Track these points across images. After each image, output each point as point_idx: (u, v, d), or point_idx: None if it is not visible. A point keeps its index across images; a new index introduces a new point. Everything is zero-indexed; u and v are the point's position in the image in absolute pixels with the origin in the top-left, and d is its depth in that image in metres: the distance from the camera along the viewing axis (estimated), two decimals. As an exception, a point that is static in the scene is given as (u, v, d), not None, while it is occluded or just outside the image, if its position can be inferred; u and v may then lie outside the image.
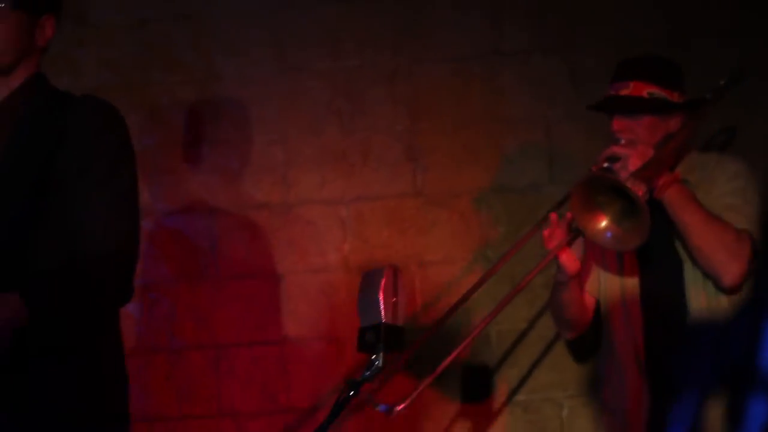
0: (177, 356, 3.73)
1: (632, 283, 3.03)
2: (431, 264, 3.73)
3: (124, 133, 2.55)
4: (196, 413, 3.71)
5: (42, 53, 2.59)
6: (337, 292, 3.73)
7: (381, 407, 2.34)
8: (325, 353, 3.72)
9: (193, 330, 3.75)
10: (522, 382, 3.65)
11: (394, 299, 2.13)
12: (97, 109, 2.54)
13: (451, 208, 3.74)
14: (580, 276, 3.02)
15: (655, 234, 2.79)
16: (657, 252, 2.94)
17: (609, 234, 2.83)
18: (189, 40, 3.87)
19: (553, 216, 2.92)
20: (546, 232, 2.92)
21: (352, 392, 2.15)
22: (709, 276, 2.91)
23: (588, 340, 3.25)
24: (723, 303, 2.92)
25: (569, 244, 2.91)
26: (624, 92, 3.00)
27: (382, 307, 2.12)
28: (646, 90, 2.98)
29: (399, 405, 2.38)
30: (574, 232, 2.90)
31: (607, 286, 3.07)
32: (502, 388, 3.64)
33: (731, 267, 2.86)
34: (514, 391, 3.64)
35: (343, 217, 3.77)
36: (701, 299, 2.93)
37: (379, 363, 2.14)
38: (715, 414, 1.66)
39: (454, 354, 2.55)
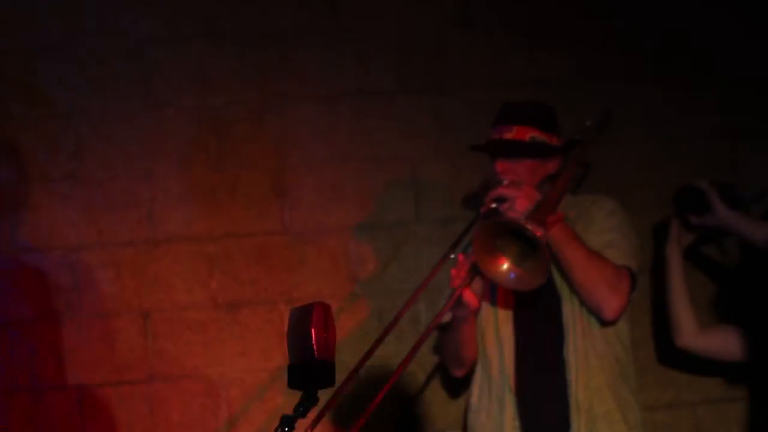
0: (39, 397, 3.63)
1: (505, 314, 3.14)
2: (300, 301, 3.70)
3: None
4: (59, 456, 3.62)
5: None
6: (205, 329, 3.71)
7: None
8: (193, 391, 3.69)
9: (55, 370, 3.65)
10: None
11: (325, 334, 2.14)
12: None
13: (320, 245, 3.77)
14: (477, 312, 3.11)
15: None
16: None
17: (512, 275, 2.91)
18: (53, 72, 3.79)
19: (460, 257, 3.01)
20: (453, 272, 2.99)
21: (286, 428, 2.14)
22: (590, 310, 3.04)
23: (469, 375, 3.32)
24: (597, 335, 3.06)
25: (470, 283, 2.98)
26: (508, 136, 3.13)
27: (314, 342, 2.12)
28: (529, 134, 3.12)
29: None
30: (475, 272, 2.97)
31: (482, 316, 3.16)
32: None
33: (612, 302, 3.01)
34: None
35: (211, 254, 3.76)
36: (578, 332, 3.06)
37: (313, 399, 2.15)
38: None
39: (379, 396, 2.54)
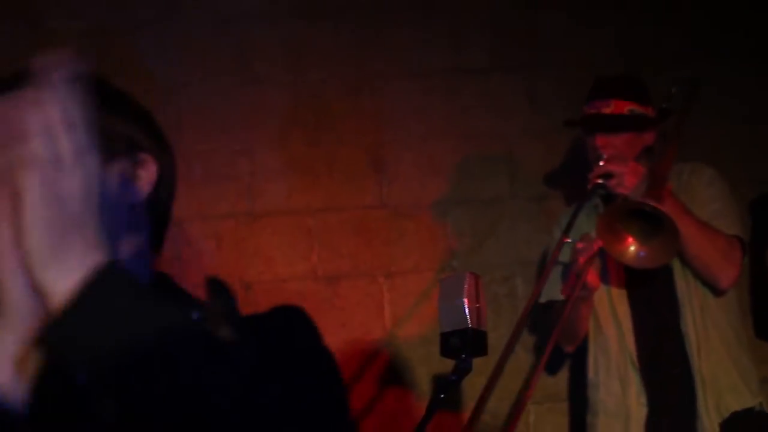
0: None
1: (618, 292, 3.19)
2: (398, 274, 3.80)
3: None
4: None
5: None
6: (305, 301, 3.75)
7: None
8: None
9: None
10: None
11: (477, 305, 2.19)
12: None
13: (418, 220, 3.82)
14: None
15: None
16: None
17: (642, 254, 2.93)
18: (153, 48, 3.84)
19: (579, 245, 3.00)
20: (579, 245, 3.00)
21: (443, 394, 2.20)
22: (704, 281, 3.07)
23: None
24: (713, 306, 3.10)
25: (591, 265, 3.00)
26: (606, 110, 3.16)
27: (467, 311, 2.17)
28: (627, 107, 3.16)
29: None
30: (600, 255, 3.01)
31: (596, 296, 3.19)
32: (470, 395, 3.73)
33: (728, 272, 3.04)
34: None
35: (310, 227, 3.81)
36: (695, 305, 3.09)
37: (467, 367, 2.19)
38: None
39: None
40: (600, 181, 3.06)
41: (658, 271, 3.08)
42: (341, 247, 3.80)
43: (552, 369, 3.76)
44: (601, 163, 3.08)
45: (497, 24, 3.93)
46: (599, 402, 3.19)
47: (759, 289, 3.70)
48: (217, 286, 1.43)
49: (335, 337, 3.74)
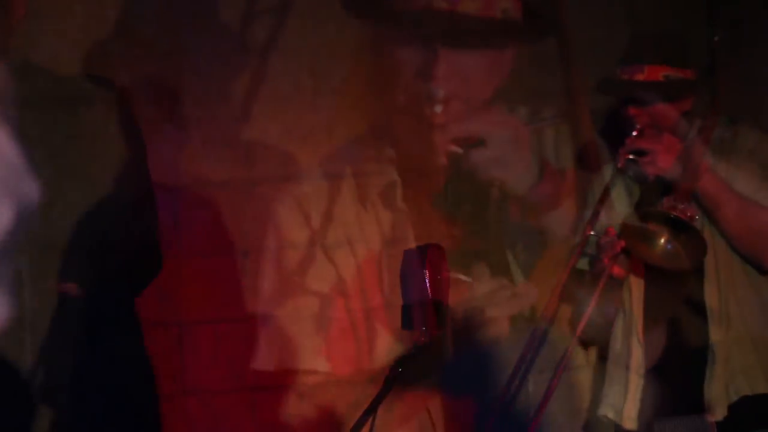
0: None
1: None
2: (397, 241, 3.76)
3: None
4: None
5: None
6: (303, 268, 3.73)
7: None
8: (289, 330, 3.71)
9: (156, 307, 3.67)
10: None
11: (439, 276, 2.15)
12: None
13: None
14: None
15: None
16: None
17: (668, 256, 2.85)
18: (152, 12, 3.79)
19: (603, 239, 2.90)
20: (602, 240, 2.89)
21: (400, 369, 2.16)
22: (746, 259, 2.93)
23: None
24: (741, 282, 2.97)
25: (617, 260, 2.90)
26: (639, 77, 2.99)
27: (428, 283, 2.13)
28: (662, 73, 2.97)
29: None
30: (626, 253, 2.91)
31: None
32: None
33: None
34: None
35: (309, 194, 3.77)
36: (722, 278, 2.95)
37: (427, 339, 2.16)
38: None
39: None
40: (630, 157, 2.93)
41: None
42: (343, 214, 3.76)
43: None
44: (635, 134, 2.95)
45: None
46: (609, 373, 3.08)
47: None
48: None
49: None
